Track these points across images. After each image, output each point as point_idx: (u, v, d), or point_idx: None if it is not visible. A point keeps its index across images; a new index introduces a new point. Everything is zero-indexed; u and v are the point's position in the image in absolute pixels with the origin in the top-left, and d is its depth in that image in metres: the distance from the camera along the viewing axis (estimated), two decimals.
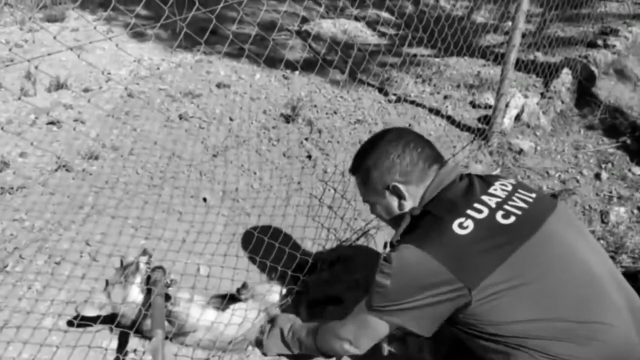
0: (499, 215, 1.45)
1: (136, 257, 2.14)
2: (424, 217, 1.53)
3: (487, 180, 1.62)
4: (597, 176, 3.21)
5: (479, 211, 1.46)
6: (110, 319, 2.03)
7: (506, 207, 1.48)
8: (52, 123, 3.29)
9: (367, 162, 1.67)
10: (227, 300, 2.11)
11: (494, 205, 1.48)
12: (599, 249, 1.58)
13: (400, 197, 1.63)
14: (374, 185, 1.67)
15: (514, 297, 1.36)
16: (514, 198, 1.52)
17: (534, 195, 1.57)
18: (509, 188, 1.57)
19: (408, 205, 1.62)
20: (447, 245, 1.40)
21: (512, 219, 1.45)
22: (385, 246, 1.53)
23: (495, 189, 1.55)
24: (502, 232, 1.42)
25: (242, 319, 2.09)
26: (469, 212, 1.45)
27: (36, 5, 4.82)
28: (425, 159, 1.61)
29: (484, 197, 1.51)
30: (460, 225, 1.42)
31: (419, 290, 1.40)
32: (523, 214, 1.47)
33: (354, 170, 1.75)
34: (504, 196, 1.52)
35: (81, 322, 1.98)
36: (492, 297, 1.35)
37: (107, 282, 2.08)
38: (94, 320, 2.00)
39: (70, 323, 2.10)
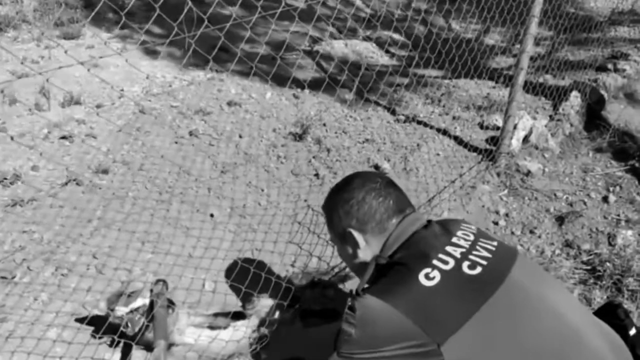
0: (465, 266, 1.40)
1: (151, 285, 2.16)
2: (390, 268, 1.47)
3: (449, 229, 1.56)
4: (605, 199, 3.20)
5: (445, 262, 1.40)
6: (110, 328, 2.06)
7: (471, 257, 1.43)
8: (64, 137, 3.35)
9: (330, 204, 1.66)
10: (230, 316, 2.13)
11: (459, 256, 1.43)
12: (567, 293, 1.53)
13: (355, 245, 1.59)
14: (335, 228, 1.65)
15: (489, 352, 1.29)
16: (478, 247, 1.47)
17: (495, 243, 1.52)
18: (471, 238, 1.52)
19: (362, 254, 1.59)
20: (414, 298, 1.34)
21: (479, 269, 1.39)
22: (351, 293, 1.47)
23: (458, 239, 1.50)
24: (469, 284, 1.36)
25: (242, 334, 2.11)
26: (435, 262, 1.40)
27: (53, 22, 4.92)
28: (385, 210, 1.56)
29: (448, 248, 1.45)
30: (427, 276, 1.36)
31: (384, 342, 1.34)
32: (488, 263, 1.41)
33: (323, 208, 1.74)
34: (467, 246, 1.47)
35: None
36: (465, 354, 1.28)
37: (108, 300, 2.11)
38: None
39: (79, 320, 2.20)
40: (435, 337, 1.28)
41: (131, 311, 2.01)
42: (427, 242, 1.49)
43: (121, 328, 1.99)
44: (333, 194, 1.67)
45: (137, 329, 1.99)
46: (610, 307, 1.57)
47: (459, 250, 1.45)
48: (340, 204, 1.60)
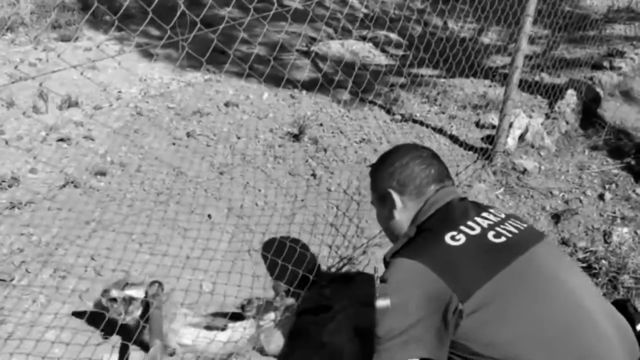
0: (490, 235, 1.48)
1: (146, 287, 2.15)
2: (418, 235, 1.56)
3: (481, 206, 1.68)
4: (601, 197, 3.21)
5: (472, 228, 1.49)
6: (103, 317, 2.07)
7: (498, 229, 1.51)
8: (62, 140, 3.36)
9: (377, 167, 1.77)
10: (228, 317, 2.14)
11: (486, 226, 1.52)
12: (586, 279, 1.59)
13: (392, 206, 1.67)
14: (377, 189, 1.75)
15: (505, 314, 1.34)
16: (506, 223, 1.56)
17: (525, 225, 1.60)
18: (502, 215, 1.61)
19: (398, 216, 1.67)
20: (439, 255, 1.42)
21: (503, 239, 1.48)
22: (375, 271, 1.52)
23: (489, 214, 1.59)
24: (492, 249, 1.44)
25: (240, 335, 2.12)
26: (462, 227, 1.49)
27: (51, 25, 4.93)
28: (426, 176, 1.66)
29: (477, 218, 1.55)
30: (453, 238, 1.45)
31: (418, 305, 1.36)
32: (514, 236, 1.50)
33: (370, 171, 1.85)
34: (496, 220, 1.56)
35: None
36: (483, 313, 1.33)
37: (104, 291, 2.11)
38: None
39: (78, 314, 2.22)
40: (460, 294, 1.34)
41: (124, 299, 2.02)
42: (457, 212, 1.58)
43: (111, 312, 1.99)
44: (381, 158, 1.79)
45: (128, 318, 2.00)
46: (619, 302, 1.61)
47: (487, 222, 1.54)
48: (386, 167, 1.72)
